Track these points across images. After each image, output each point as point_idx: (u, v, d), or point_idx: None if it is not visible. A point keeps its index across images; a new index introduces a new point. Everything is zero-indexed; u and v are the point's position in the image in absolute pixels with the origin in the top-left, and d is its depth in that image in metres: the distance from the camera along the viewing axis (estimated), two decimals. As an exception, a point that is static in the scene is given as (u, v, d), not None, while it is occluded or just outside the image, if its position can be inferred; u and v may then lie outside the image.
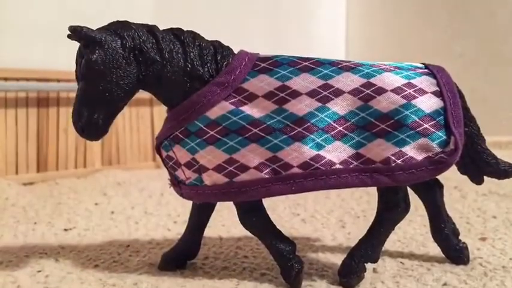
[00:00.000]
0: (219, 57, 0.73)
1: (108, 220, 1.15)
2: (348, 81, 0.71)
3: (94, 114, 0.68)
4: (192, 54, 0.71)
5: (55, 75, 1.70)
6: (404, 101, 0.70)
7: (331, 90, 0.70)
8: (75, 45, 0.69)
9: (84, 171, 1.77)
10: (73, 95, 0.74)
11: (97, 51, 0.66)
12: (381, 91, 0.70)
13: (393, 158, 0.69)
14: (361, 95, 0.70)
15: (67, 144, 1.74)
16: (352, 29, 3.13)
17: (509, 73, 2.49)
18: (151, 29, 0.71)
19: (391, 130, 0.69)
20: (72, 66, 0.71)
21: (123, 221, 1.14)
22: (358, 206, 1.26)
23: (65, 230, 1.07)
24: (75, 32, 0.67)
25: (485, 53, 2.54)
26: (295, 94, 0.70)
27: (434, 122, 0.70)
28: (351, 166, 0.70)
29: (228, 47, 0.75)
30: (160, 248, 0.93)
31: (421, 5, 2.78)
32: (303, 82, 0.70)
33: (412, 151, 0.69)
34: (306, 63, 0.72)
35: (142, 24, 0.71)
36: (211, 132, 0.70)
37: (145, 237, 1.01)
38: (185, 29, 0.74)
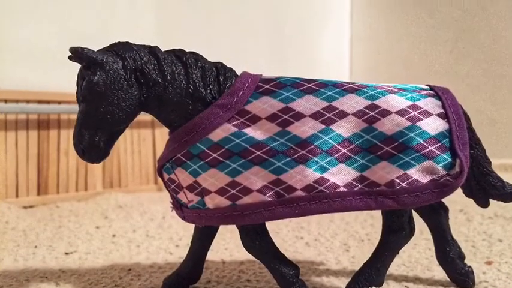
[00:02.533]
0: (221, 79, 0.72)
1: (109, 243, 1.14)
2: (352, 103, 0.70)
3: (95, 137, 0.68)
4: (194, 75, 0.70)
5: (56, 97, 1.70)
6: (409, 123, 0.69)
7: (335, 112, 0.70)
8: (76, 66, 0.69)
9: (85, 194, 1.76)
10: (74, 117, 0.73)
11: (98, 73, 0.66)
12: (385, 113, 0.70)
13: (398, 180, 0.68)
14: (365, 117, 0.70)
15: (68, 167, 1.74)
16: (356, 51, 3.14)
17: (515, 95, 2.49)
18: (153, 50, 0.70)
19: (395, 152, 0.68)
20: (73, 88, 0.71)
21: (124, 244, 1.13)
22: (363, 229, 1.25)
23: (66, 253, 1.06)
24: (76, 53, 0.66)
25: (491, 75, 2.54)
26: (299, 116, 0.69)
27: (439, 144, 0.69)
28: (355, 189, 0.69)
29: (230, 68, 0.75)
30: (162, 271, 0.92)
31: (426, 28, 2.79)
32: (307, 104, 0.70)
33: (417, 174, 0.68)
34: (310, 85, 0.72)
35: (143, 45, 0.71)
36: (214, 155, 0.69)
37: (147, 261, 1.00)
38: (187, 50, 0.73)
